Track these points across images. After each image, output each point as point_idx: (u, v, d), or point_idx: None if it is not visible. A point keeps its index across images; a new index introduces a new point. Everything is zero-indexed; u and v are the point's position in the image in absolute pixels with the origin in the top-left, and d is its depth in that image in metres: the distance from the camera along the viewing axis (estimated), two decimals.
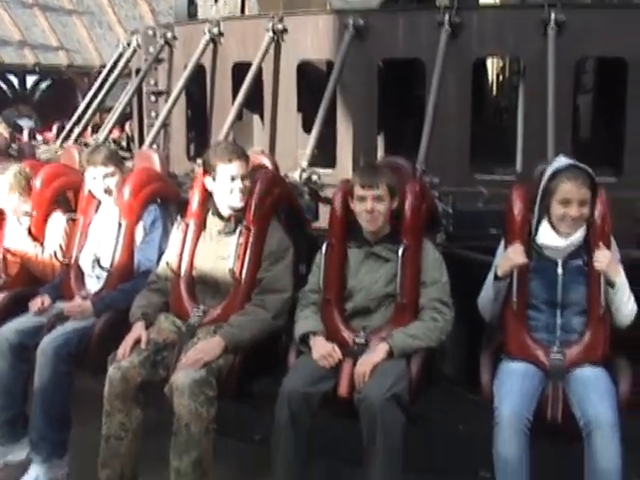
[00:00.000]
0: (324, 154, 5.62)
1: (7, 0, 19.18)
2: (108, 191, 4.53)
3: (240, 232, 4.01)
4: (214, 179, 4.05)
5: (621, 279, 3.68)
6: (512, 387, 3.57)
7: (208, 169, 4.07)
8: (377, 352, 3.72)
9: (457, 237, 4.37)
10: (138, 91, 6.63)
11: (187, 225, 4.19)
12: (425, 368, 3.78)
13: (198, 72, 5.98)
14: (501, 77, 6.55)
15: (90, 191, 4.64)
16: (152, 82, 6.47)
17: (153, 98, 6.46)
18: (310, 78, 5.95)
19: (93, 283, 4.51)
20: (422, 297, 3.87)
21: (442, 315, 3.84)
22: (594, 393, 3.51)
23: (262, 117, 5.93)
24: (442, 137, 5.04)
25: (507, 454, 3.44)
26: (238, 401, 4.30)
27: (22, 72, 20.49)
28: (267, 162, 4.55)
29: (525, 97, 5.32)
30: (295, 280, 4.14)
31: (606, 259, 3.63)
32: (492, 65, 6.45)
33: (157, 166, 4.87)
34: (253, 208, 4.05)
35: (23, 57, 19.24)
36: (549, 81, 4.75)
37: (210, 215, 4.17)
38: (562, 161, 3.82)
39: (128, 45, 7.09)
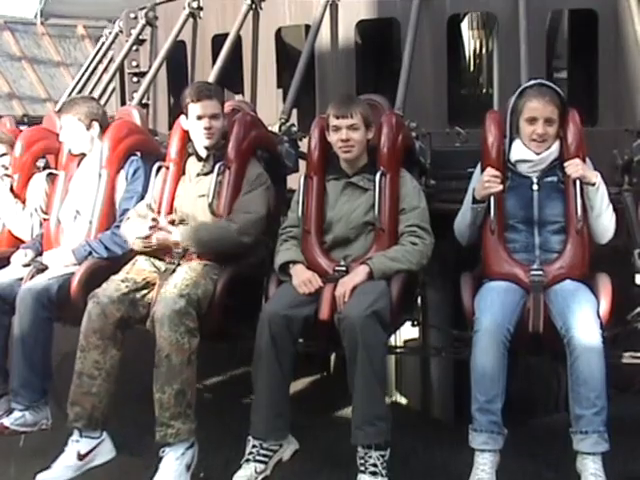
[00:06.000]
0: (304, 120, 5.63)
1: None
2: None
3: (218, 171, 4.03)
4: (187, 117, 4.12)
5: (599, 181, 3.67)
6: (493, 301, 3.57)
7: (183, 109, 4.14)
8: (357, 273, 3.72)
9: (435, 176, 4.38)
10: (120, 73, 6.66)
11: (167, 168, 4.22)
12: (405, 291, 3.76)
13: (178, 47, 6.01)
14: (476, 33, 6.61)
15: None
16: (134, 64, 6.50)
17: (135, 79, 6.49)
18: (289, 44, 6.00)
19: (74, 237, 4.48)
20: (401, 223, 3.87)
21: (421, 240, 3.83)
22: (575, 303, 3.52)
23: (242, 85, 5.94)
24: (419, 94, 5.07)
25: (485, 363, 3.42)
26: (222, 342, 4.30)
27: None
28: (247, 110, 4.58)
29: (500, 51, 5.38)
30: (275, 227, 4.14)
31: (578, 165, 3.64)
32: (467, 21, 6.52)
33: (137, 121, 4.88)
34: (231, 149, 4.08)
35: (12, 109, 19.37)
36: (521, 35, 4.79)
37: (189, 159, 4.21)
38: (531, 81, 3.89)
39: (110, 34, 7.14)
